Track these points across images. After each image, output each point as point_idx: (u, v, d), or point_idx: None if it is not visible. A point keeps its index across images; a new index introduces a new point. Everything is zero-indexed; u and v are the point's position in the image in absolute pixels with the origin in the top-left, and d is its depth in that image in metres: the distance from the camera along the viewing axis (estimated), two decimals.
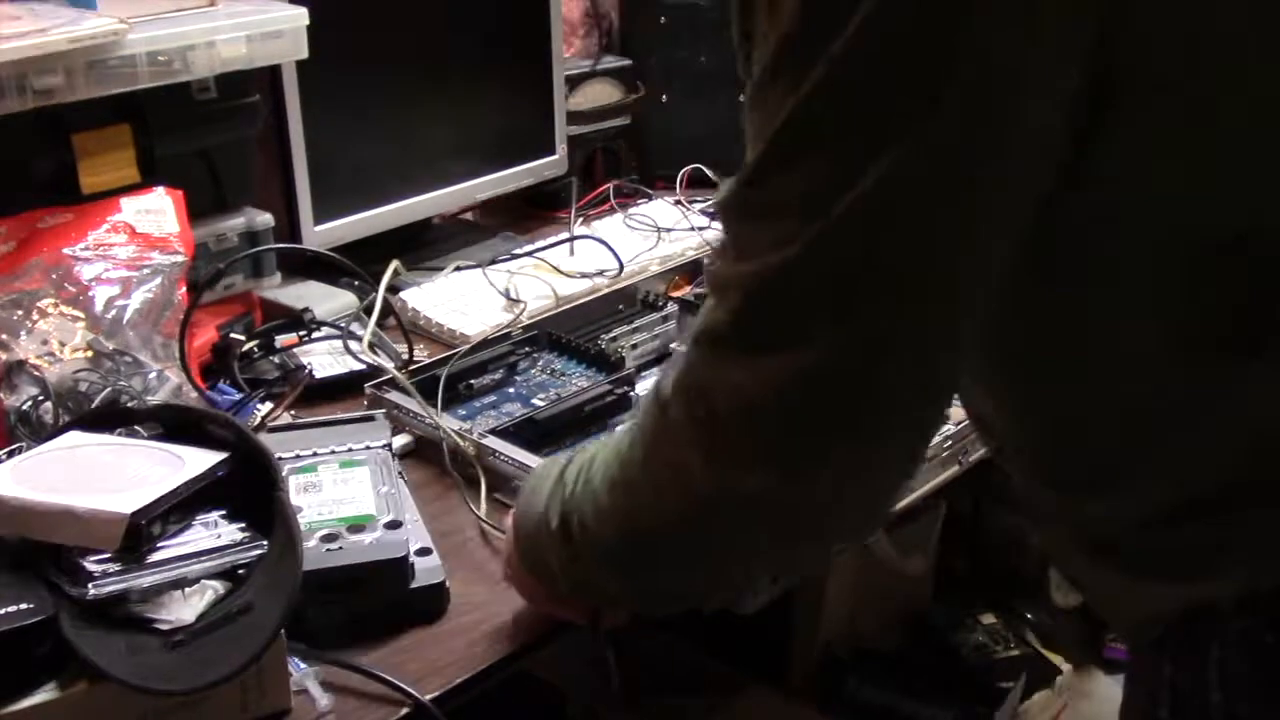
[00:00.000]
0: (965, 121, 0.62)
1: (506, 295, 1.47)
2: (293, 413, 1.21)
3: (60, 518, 0.83)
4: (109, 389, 1.07)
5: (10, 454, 0.96)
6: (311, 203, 1.50)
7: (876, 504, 0.76)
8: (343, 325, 1.36)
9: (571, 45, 1.97)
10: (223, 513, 0.88)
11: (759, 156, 0.67)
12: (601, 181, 1.87)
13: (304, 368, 1.28)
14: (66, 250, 1.16)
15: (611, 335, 1.39)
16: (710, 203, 0.70)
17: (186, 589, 0.83)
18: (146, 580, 0.82)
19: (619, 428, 0.84)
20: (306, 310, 1.38)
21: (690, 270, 1.53)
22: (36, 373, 1.07)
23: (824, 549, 0.84)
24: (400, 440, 1.18)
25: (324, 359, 1.33)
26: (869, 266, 0.65)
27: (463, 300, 1.49)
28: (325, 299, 1.44)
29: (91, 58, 1.14)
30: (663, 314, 1.43)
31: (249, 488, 0.90)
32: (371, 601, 0.95)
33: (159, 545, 0.84)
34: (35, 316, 1.11)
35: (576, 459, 0.85)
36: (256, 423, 1.16)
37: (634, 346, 1.37)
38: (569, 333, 1.39)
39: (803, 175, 0.65)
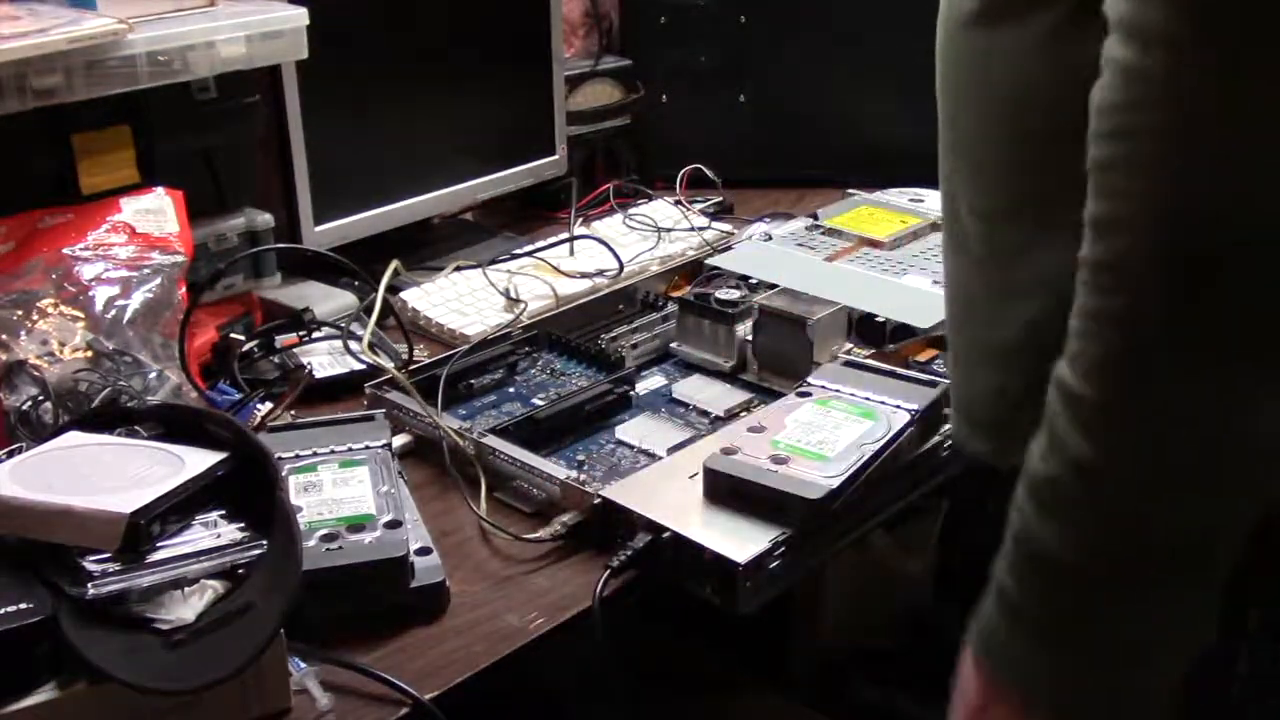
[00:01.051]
0: None
1: (506, 295, 1.47)
2: (293, 413, 1.21)
3: (60, 518, 0.83)
4: (109, 389, 1.07)
5: (10, 454, 0.96)
6: (311, 203, 1.50)
7: None
8: (343, 325, 1.36)
9: (571, 45, 1.98)
10: (223, 513, 0.88)
11: None
12: (601, 181, 1.87)
13: (304, 368, 1.28)
14: (66, 250, 1.16)
15: (611, 335, 1.39)
16: None
17: (186, 588, 0.83)
18: (146, 580, 0.82)
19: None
20: (306, 310, 1.38)
21: (690, 270, 1.53)
22: (36, 373, 1.07)
23: None
24: (400, 440, 1.18)
25: (324, 359, 1.33)
26: None
27: (463, 300, 1.49)
28: (325, 299, 1.45)
29: (91, 58, 1.14)
30: (663, 314, 1.43)
31: (249, 488, 0.90)
32: (371, 601, 0.95)
33: (159, 545, 0.84)
34: (35, 316, 1.11)
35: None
36: (256, 423, 1.16)
37: (634, 346, 1.37)
38: (569, 333, 1.39)
39: None
